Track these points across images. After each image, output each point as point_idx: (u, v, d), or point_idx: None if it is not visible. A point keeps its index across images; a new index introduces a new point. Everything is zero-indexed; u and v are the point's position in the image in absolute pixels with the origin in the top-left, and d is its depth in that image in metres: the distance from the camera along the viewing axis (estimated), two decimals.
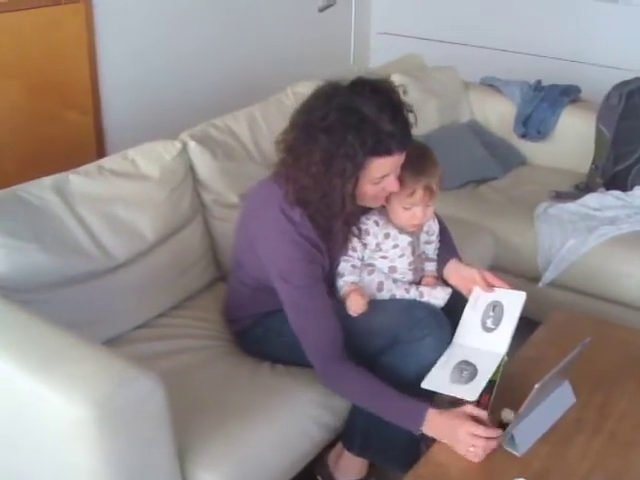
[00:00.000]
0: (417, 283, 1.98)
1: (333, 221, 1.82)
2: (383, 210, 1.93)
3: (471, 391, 1.73)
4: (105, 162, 2.13)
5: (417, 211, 1.88)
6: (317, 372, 1.85)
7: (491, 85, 3.59)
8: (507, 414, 1.73)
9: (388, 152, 1.71)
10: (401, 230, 1.93)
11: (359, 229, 1.91)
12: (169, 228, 2.18)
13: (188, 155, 2.27)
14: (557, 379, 1.76)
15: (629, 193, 2.87)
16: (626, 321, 2.48)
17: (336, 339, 1.82)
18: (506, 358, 1.82)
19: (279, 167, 1.83)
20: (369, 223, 1.93)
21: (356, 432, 1.97)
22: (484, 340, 1.85)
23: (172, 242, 2.20)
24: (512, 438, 1.67)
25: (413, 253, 1.96)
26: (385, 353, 1.87)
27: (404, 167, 1.81)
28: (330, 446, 2.05)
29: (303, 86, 2.68)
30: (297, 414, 1.86)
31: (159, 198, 2.14)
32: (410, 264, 1.97)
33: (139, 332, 2.10)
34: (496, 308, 1.88)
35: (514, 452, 1.68)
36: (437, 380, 1.79)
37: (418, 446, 1.94)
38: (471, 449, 1.65)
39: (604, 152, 3.01)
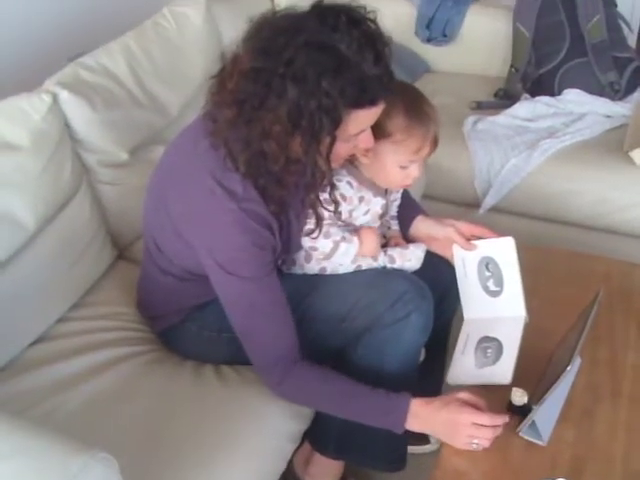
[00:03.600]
0: (383, 246, 1.61)
1: (301, 193, 1.41)
2: (351, 167, 1.52)
3: (502, 371, 1.44)
4: None
5: (414, 169, 1.48)
6: (269, 382, 1.47)
7: None
8: (519, 396, 1.43)
9: (373, 102, 1.28)
10: (376, 192, 1.54)
11: (334, 199, 1.46)
12: (51, 207, 1.67)
13: (60, 109, 1.74)
14: None
15: (559, 98, 2.58)
16: (579, 243, 2.26)
17: (293, 340, 1.45)
18: (527, 319, 1.55)
19: (218, 125, 1.33)
20: (341, 185, 1.50)
21: (330, 432, 1.62)
22: (496, 306, 1.56)
23: (57, 224, 1.70)
24: (533, 425, 1.39)
25: (381, 217, 1.59)
26: (357, 343, 1.51)
27: (405, 116, 1.42)
28: None
29: (184, 4, 2.20)
30: (267, 436, 1.47)
31: (34, 171, 1.61)
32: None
33: (35, 351, 1.62)
34: (490, 265, 1.57)
35: (538, 442, 1.40)
36: (462, 370, 1.49)
37: (405, 440, 1.63)
38: (475, 442, 1.36)
39: (524, 54, 2.70)
